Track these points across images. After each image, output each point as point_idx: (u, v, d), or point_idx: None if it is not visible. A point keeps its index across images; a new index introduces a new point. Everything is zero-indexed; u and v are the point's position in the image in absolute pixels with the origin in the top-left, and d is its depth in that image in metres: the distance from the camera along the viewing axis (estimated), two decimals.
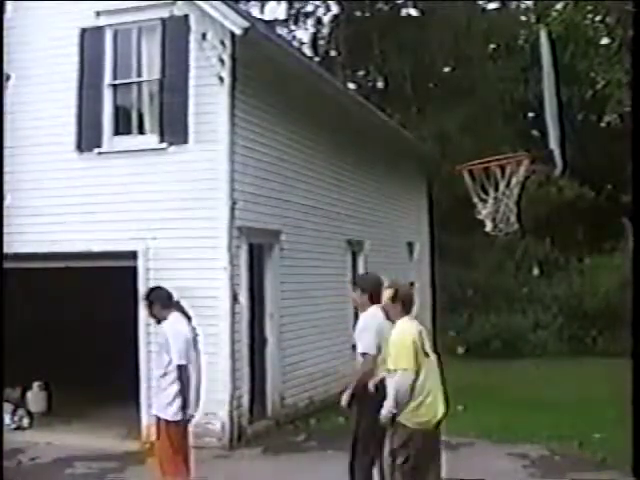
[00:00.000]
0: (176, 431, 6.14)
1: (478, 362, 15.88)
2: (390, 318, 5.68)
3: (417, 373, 5.32)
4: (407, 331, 5.41)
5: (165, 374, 6.14)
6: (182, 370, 6.08)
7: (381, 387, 5.75)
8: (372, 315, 6.22)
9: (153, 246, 9.10)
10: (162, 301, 6.38)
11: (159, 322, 6.39)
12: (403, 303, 5.57)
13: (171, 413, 6.09)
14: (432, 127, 21.08)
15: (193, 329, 6.35)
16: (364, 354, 6.19)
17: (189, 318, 6.38)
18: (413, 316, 5.72)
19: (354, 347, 13.52)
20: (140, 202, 9.16)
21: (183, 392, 6.04)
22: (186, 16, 9.12)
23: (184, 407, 6.07)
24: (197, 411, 6.35)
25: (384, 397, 5.52)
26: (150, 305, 6.45)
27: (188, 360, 6.13)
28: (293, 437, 9.45)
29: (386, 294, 5.69)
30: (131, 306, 8.95)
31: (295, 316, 10.50)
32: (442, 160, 17.69)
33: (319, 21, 26.00)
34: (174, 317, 6.28)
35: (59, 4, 9.67)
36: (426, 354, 5.44)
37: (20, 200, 9.53)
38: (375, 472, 6.29)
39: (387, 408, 5.39)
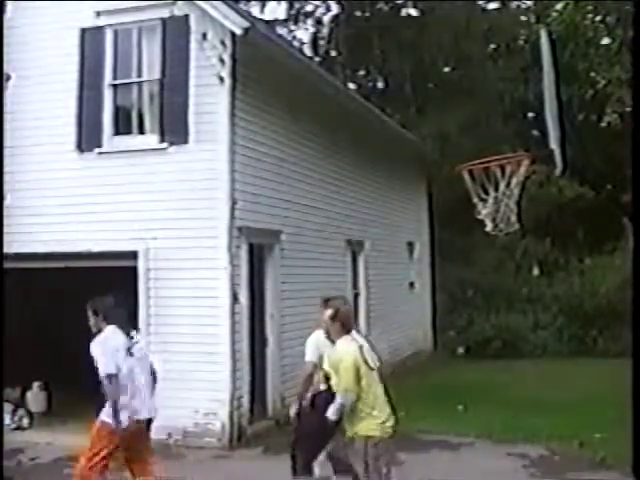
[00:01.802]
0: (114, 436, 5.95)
1: (478, 362, 15.89)
2: (330, 337, 5.85)
3: (364, 388, 5.46)
4: (347, 351, 5.52)
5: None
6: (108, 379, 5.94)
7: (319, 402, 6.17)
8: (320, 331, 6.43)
9: (153, 246, 9.10)
10: (105, 312, 6.12)
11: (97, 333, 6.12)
12: (342, 323, 5.68)
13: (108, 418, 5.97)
14: (432, 127, 21.08)
15: (130, 339, 6.12)
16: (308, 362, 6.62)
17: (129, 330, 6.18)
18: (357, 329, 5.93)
19: None
20: (140, 202, 9.17)
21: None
22: (186, 16, 9.13)
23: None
24: (148, 415, 6.08)
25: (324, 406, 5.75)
26: (95, 314, 6.18)
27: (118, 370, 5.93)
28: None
29: (326, 314, 5.79)
30: (131, 306, 8.95)
31: (295, 316, 10.49)
32: (442, 160, 17.70)
33: (319, 21, 26.01)
34: (108, 330, 6.07)
35: (59, 4, 9.67)
36: (370, 368, 5.56)
37: (20, 200, 9.54)
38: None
39: (332, 410, 5.53)
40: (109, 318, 6.10)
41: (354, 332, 6.06)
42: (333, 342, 5.79)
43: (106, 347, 5.92)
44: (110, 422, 5.88)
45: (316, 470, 6.51)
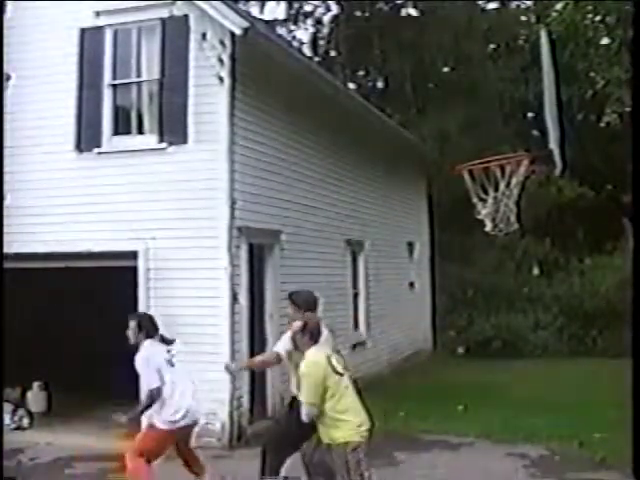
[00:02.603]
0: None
1: (478, 362, 15.89)
2: (298, 348, 5.94)
3: (335, 396, 5.58)
4: (316, 363, 5.65)
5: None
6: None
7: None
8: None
9: (153, 246, 9.10)
10: (148, 328, 6.63)
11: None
12: (311, 334, 5.83)
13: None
14: (432, 127, 21.09)
15: (168, 351, 6.63)
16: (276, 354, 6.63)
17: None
18: (323, 341, 6.01)
19: (354, 346, 13.52)
20: (140, 202, 9.16)
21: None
22: (186, 16, 9.13)
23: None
24: (191, 420, 6.55)
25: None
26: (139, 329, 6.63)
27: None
28: None
29: (295, 326, 5.95)
30: (131, 306, 8.94)
31: None
32: (442, 160, 17.71)
33: (319, 21, 26.01)
34: (149, 345, 6.57)
35: (59, 4, 9.67)
36: (339, 374, 5.69)
37: (20, 200, 9.53)
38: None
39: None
40: (149, 333, 6.59)
41: (324, 333, 6.14)
42: (301, 353, 5.87)
43: (150, 362, 6.39)
44: (161, 427, 6.34)
45: (282, 472, 6.52)
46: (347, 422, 5.56)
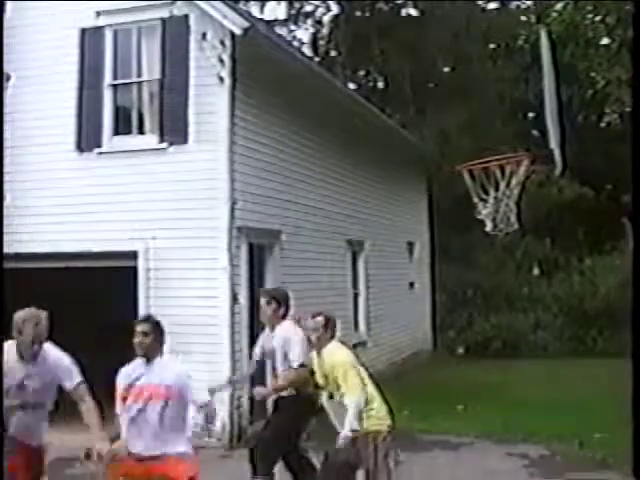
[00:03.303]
0: None
1: (478, 362, 15.90)
2: (313, 346, 5.84)
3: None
4: (349, 353, 5.72)
5: None
6: None
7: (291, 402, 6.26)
8: (295, 328, 6.30)
9: (153, 246, 9.11)
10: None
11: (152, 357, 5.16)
12: (333, 330, 5.82)
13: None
14: (432, 127, 21.10)
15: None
16: (301, 365, 6.20)
17: None
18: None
19: (355, 346, 13.50)
20: (140, 202, 9.17)
21: None
22: (186, 16, 9.14)
23: None
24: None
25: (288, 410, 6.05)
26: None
27: None
28: None
29: (318, 322, 5.78)
30: (131, 306, 8.95)
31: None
32: (442, 160, 17.72)
33: (319, 21, 26.04)
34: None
35: (59, 4, 9.69)
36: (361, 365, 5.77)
37: (20, 200, 9.53)
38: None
39: (350, 428, 5.45)
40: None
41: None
42: (318, 351, 5.79)
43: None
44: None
45: (276, 473, 6.51)
46: (375, 410, 5.58)
